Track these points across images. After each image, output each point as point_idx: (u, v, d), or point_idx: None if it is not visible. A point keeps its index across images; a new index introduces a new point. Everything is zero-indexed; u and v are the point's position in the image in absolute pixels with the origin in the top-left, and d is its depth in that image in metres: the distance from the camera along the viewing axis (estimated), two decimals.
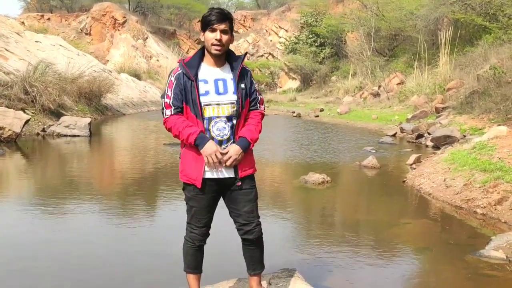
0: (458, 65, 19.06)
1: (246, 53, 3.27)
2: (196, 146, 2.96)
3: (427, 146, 12.22)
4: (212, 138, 2.98)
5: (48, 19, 48.85)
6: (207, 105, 2.97)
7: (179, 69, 3.02)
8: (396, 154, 11.38)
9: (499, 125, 10.11)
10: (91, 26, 48.25)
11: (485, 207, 5.96)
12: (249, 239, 3.16)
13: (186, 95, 2.98)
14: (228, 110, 2.99)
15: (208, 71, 3.02)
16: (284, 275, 3.68)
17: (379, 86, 25.67)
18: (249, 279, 3.31)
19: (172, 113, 3.01)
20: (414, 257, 4.64)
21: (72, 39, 43.34)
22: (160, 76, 38.16)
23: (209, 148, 2.92)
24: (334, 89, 32.55)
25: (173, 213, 6.09)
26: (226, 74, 3.03)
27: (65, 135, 13.65)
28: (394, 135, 14.76)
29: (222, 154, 2.95)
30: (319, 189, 7.62)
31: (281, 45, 47.64)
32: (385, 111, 21.25)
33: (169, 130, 3.04)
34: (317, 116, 23.92)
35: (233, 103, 3.00)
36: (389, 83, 25.17)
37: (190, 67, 3.00)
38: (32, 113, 14.71)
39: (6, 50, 19.21)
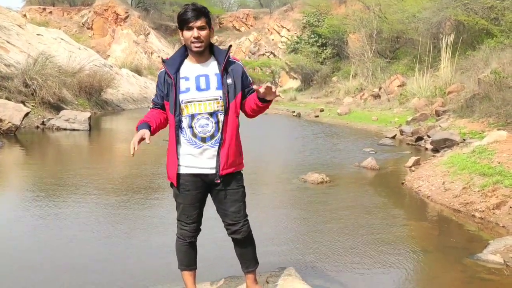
0: (459, 68, 19.04)
1: (230, 46, 3.17)
2: (172, 143, 3.04)
3: (426, 149, 12.20)
4: (195, 135, 2.98)
5: (50, 12, 48.80)
6: (188, 102, 2.96)
7: (162, 67, 3.05)
8: (396, 156, 11.37)
9: (499, 129, 10.10)
10: (93, 20, 48.21)
11: (483, 211, 5.96)
12: (237, 238, 3.16)
13: (167, 93, 3.01)
14: (211, 106, 2.96)
15: (190, 68, 3.00)
16: (281, 274, 3.67)
17: (380, 88, 25.63)
18: (245, 277, 3.31)
19: (151, 107, 3.14)
20: (412, 259, 4.63)
21: (73, 33, 43.31)
22: None
23: (137, 134, 2.90)
24: (335, 90, 32.48)
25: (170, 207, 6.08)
26: (209, 70, 2.99)
27: (65, 129, 13.64)
28: (393, 137, 14.74)
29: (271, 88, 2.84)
30: (318, 189, 7.61)
31: (283, 45, 47.58)
32: (385, 113, 21.23)
33: None
34: (317, 116, 23.88)
35: (216, 99, 2.96)
36: (389, 85, 25.13)
37: (170, 65, 3.01)
38: (32, 106, 14.70)
39: (8, 42, 19.20)
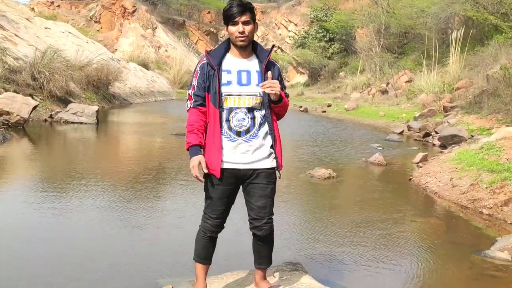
0: (468, 64, 18.93)
1: (273, 46, 3.30)
2: (216, 137, 3.00)
3: (434, 145, 12.16)
4: (231, 129, 3.00)
5: (58, 6, 48.86)
6: (228, 95, 3.00)
7: (204, 59, 3.06)
8: (403, 152, 11.34)
9: (507, 126, 10.04)
10: (100, 14, 48.26)
11: (491, 207, 5.94)
12: (257, 235, 3.17)
13: (209, 85, 3.02)
14: (250, 102, 3.01)
15: (233, 62, 3.04)
16: (289, 268, 3.68)
17: (388, 83, 25.53)
18: (254, 271, 3.32)
19: (192, 106, 3.07)
20: (419, 255, 4.63)
21: (81, 26, 43.38)
22: (168, 67, 38.04)
23: (192, 161, 2.97)
24: (342, 85, 32.38)
25: (181, 201, 6.10)
26: (251, 66, 3.04)
27: (73, 122, 13.68)
28: (401, 133, 14.70)
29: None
30: (325, 184, 7.61)
31: (290, 39, 47.45)
32: (393, 108, 21.16)
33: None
34: (324, 111, 23.83)
35: (256, 95, 3.01)
36: (397, 81, 25.03)
37: (214, 57, 3.04)
38: (40, 99, 14.75)
39: (16, 35, 19.22)
